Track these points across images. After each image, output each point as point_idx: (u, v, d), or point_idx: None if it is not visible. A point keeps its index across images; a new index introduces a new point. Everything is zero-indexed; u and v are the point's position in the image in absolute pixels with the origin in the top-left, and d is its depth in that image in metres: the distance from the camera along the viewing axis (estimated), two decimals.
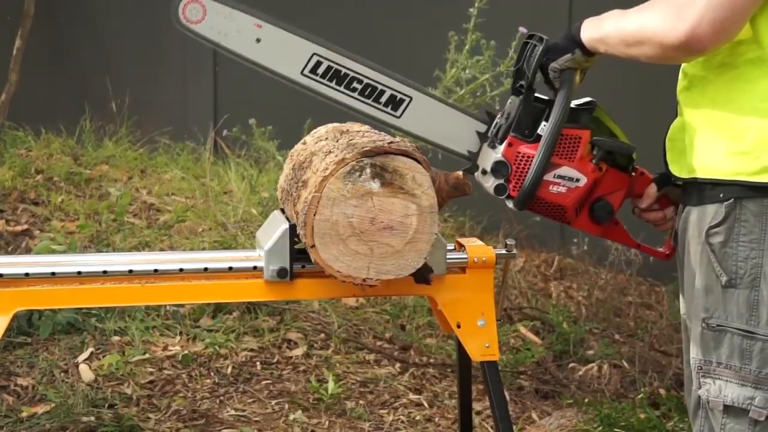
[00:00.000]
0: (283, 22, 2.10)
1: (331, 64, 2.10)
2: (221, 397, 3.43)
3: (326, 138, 2.29)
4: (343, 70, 2.10)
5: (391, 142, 2.11)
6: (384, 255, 2.10)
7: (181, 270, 2.19)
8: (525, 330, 4.31)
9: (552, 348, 4.21)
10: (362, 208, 2.07)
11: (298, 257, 2.20)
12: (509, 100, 2.18)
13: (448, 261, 2.26)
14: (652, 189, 2.23)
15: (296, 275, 2.20)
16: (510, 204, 2.14)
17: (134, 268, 2.17)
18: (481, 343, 2.29)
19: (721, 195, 1.90)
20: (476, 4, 4.65)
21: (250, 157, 5.14)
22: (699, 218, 1.95)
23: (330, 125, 2.41)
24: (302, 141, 2.40)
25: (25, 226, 4.13)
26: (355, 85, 2.11)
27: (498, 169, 2.13)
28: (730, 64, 1.90)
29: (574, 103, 2.13)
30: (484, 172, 2.18)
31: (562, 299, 4.77)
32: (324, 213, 2.05)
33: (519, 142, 2.13)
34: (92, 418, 3.16)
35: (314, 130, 2.43)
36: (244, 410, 3.37)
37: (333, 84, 2.11)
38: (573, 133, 2.12)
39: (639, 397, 3.83)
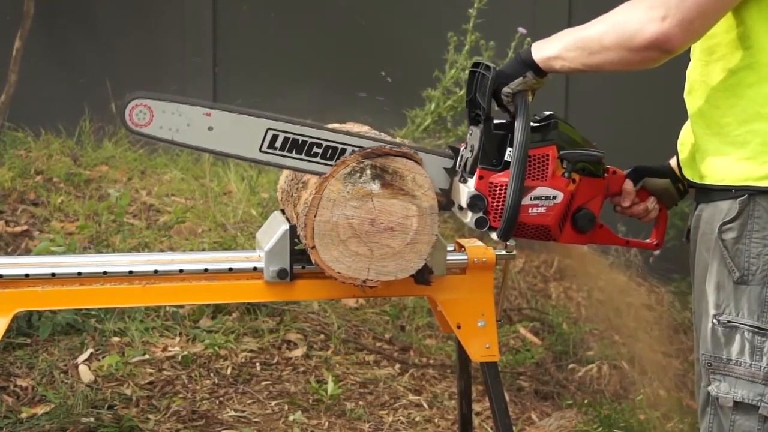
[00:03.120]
0: (231, 105, 2.11)
1: (288, 135, 2.09)
2: (221, 398, 3.42)
3: None
4: (300, 138, 2.10)
5: (392, 144, 2.11)
6: (384, 256, 2.10)
7: (181, 271, 2.19)
8: (525, 331, 4.31)
9: (552, 349, 4.21)
10: (362, 209, 2.07)
11: (298, 258, 2.20)
12: (469, 132, 2.18)
13: (448, 262, 2.26)
14: (629, 185, 2.25)
15: (296, 276, 2.21)
16: (494, 235, 2.13)
17: (134, 269, 2.17)
18: (481, 343, 2.29)
19: (734, 191, 1.91)
20: (476, 5, 4.65)
21: None
22: (711, 215, 1.96)
23: (330, 126, 2.41)
24: None
25: (25, 227, 4.13)
26: (315, 150, 2.10)
27: (474, 203, 2.11)
28: (728, 69, 1.91)
29: (533, 122, 2.13)
30: (460, 208, 2.17)
31: (561, 300, 4.77)
32: (324, 214, 2.06)
33: (489, 172, 2.11)
34: (92, 419, 3.16)
35: None
36: (243, 411, 3.37)
37: (293, 154, 2.10)
38: (540, 152, 2.11)
39: (638, 398, 3.83)
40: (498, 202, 2.10)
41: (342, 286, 2.16)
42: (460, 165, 2.19)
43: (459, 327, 2.29)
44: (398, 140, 2.15)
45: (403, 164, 2.09)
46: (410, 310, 4.18)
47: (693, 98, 2.01)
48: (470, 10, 4.67)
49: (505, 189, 2.08)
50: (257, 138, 2.09)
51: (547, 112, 2.17)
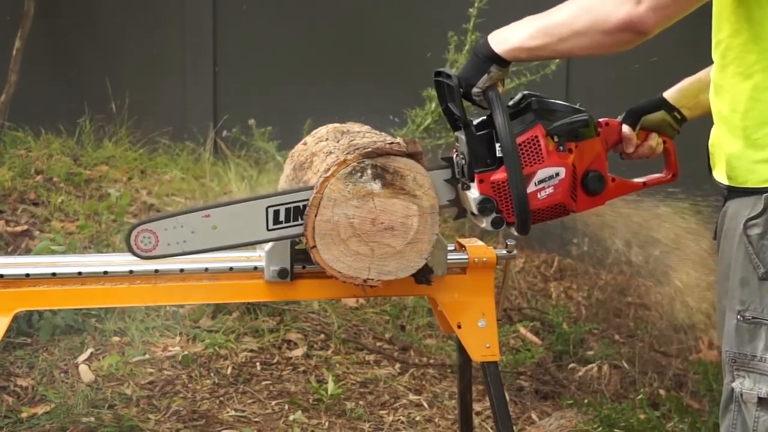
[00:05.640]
0: (225, 200, 2.13)
1: (288, 206, 2.11)
2: (221, 398, 3.42)
3: (327, 138, 2.29)
4: (301, 204, 2.11)
5: (392, 143, 2.11)
6: (385, 256, 2.10)
7: (181, 270, 2.19)
8: (525, 330, 4.31)
9: (552, 348, 4.21)
10: (363, 208, 2.07)
11: (299, 258, 2.20)
12: (456, 139, 2.18)
13: (449, 261, 2.26)
14: (628, 131, 2.27)
15: (297, 276, 2.21)
16: (514, 231, 2.14)
17: (135, 268, 2.17)
18: (482, 343, 2.29)
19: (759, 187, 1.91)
20: (476, 5, 4.65)
21: (250, 157, 5.14)
22: (736, 211, 1.95)
23: (330, 125, 2.41)
24: (303, 141, 2.40)
25: (25, 227, 4.13)
26: None
27: (484, 207, 2.12)
28: (743, 73, 1.90)
29: (511, 110, 2.12)
30: (473, 214, 2.18)
31: (561, 300, 4.77)
32: (325, 214, 2.06)
33: (487, 174, 2.11)
34: (92, 419, 3.16)
35: (315, 131, 2.43)
36: (243, 411, 3.37)
37: (299, 221, 2.11)
38: (527, 136, 2.11)
39: (639, 397, 3.83)
40: (506, 199, 2.11)
41: (343, 286, 2.15)
42: (458, 173, 2.19)
43: (459, 327, 2.29)
44: (398, 139, 2.15)
45: (403, 164, 2.09)
46: (410, 309, 4.18)
47: (716, 101, 2.01)
48: (470, 10, 4.67)
49: (508, 184, 2.08)
50: (260, 219, 2.11)
51: (522, 93, 2.17)
